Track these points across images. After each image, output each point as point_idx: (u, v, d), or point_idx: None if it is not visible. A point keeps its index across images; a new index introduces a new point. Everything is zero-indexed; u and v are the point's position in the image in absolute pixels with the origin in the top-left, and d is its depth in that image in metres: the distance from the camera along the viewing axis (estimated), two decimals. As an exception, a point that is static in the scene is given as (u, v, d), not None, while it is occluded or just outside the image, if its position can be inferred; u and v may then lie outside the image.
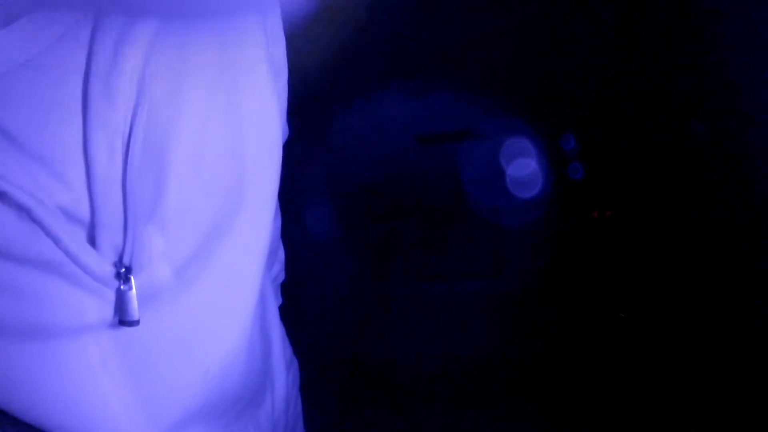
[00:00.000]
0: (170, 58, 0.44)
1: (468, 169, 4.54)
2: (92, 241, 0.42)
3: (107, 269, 0.42)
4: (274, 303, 0.69)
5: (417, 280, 5.28)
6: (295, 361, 0.77)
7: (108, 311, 0.42)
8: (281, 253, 0.81)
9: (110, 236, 0.42)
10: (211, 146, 0.48)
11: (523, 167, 4.21)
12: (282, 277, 0.84)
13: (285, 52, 0.61)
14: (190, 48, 0.45)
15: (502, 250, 4.93)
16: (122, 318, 0.41)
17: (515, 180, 4.40)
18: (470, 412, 2.85)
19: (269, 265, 0.74)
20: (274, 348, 0.64)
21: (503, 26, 2.37)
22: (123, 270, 0.41)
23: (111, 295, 0.42)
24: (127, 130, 0.40)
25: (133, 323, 0.41)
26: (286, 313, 0.82)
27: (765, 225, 1.89)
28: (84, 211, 0.41)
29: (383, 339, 4.71)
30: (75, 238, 0.40)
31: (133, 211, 0.40)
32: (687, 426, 2.34)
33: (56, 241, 0.38)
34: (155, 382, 0.46)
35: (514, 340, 4.05)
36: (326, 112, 3.33)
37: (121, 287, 0.41)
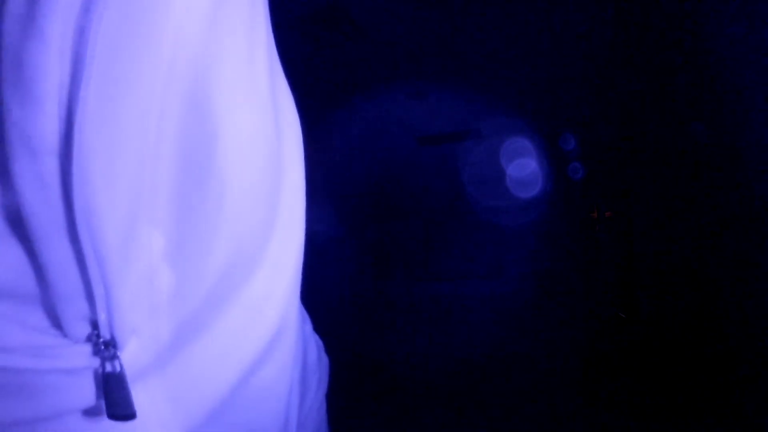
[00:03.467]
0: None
1: (468, 169, 4.55)
2: (50, 313, 0.29)
3: (80, 351, 0.29)
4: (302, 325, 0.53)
5: (417, 280, 5.29)
6: (325, 371, 0.62)
7: (91, 401, 0.30)
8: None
9: (74, 304, 0.29)
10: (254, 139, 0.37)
11: (523, 167, 4.21)
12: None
13: None
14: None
15: (502, 251, 4.93)
16: (112, 412, 0.29)
17: (515, 180, 4.40)
18: (470, 412, 2.85)
19: None
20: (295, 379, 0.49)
21: (503, 26, 2.37)
22: (103, 346, 0.29)
23: (91, 384, 0.30)
24: (59, 141, 0.25)
25: (128, 417, 0.29)
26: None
27: (765, 225, 1.89)
28: (22, 280, 0.28)
29: (383, 339, 4.72)
30: (14, 319, 0.28)
31: (96, 252, 0.27)
32: (687, 426, 2.34)
33: None
34: None
35: (514, 340, 4.05)
36: (327, 113, 3.33)
37: (105, 370, 0.30)
